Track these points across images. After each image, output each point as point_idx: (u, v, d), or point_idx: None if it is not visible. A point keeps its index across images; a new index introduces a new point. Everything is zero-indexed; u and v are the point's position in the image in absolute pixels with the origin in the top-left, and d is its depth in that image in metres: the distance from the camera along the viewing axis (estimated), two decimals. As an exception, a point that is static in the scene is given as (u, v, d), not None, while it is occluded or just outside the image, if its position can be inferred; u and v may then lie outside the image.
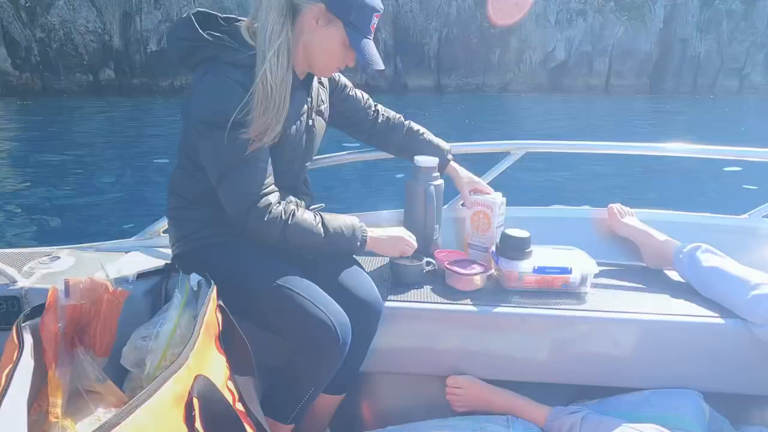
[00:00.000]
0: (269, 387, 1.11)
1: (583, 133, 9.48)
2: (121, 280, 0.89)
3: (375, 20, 1.10)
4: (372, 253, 1.27)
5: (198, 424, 0.68)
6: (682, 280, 1.39)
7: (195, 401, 0.68)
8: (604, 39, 21.03)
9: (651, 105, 16.93)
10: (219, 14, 1.13)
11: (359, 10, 1.07)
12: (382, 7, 1.11)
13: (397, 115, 1.46)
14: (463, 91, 20.99)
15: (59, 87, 18.47)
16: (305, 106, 1.19)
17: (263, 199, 1.08)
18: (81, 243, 1.38)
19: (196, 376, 0.72)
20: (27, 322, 0.75)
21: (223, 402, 0.75)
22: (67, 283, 0.81)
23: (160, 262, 1.15)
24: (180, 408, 0.68)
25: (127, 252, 1.30)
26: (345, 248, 1.18)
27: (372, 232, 1.22)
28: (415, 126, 1.46)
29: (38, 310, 0.77)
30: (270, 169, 1.11)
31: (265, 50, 1.03)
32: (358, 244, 1.18)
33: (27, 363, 0.68)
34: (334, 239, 1.14)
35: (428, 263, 1.37)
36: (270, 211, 1.07)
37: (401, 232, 1.28)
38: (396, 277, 1.34)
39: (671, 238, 1.46)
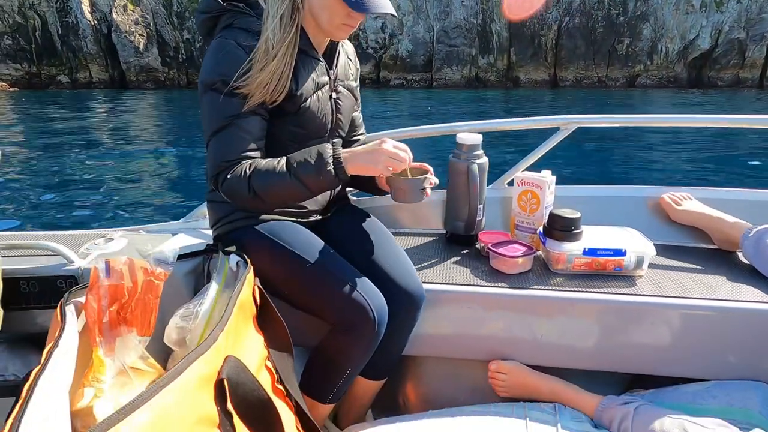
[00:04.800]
0: (308, 368, 1.11)
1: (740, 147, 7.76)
2: (160, 261, 0.87)
3: None
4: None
5: (230, 405, 0.67)
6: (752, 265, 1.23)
7: (225, 382, 0.68)
8: (763, 24, 17.98)
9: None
10: None
11: None
12: None
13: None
14: (581, 85, 19.51)
15: (200, 82, 21.01)
16: (326, 77, 1.14)
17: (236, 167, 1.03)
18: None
19: (226, 357, 0.71)
20: (71, 301, 0.76)
21: (252, 383, 0.74)
22: (107, 264, 0.80)
23: (204, 244, 1.17)
24: (208, 389, 0.67)
25: (174, 234, 1.34)
26: (318, 177, 1.01)
27: (346, 152, 1.03)
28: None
29: (82, 290, 0.78)
30: (255, 144, 1.05)
31: (269, 10, 1.02)
32: (331, 168, 1.00)
33: (70, 341, 0.70)
34: (301, 171, 1.01)
35: (426, 179, 1.11)
36: (233, 170, 1.03)
37: (382, 145, 1.03)
38: (392, 195, 1.14)
39: (739, 219, 1.27)
